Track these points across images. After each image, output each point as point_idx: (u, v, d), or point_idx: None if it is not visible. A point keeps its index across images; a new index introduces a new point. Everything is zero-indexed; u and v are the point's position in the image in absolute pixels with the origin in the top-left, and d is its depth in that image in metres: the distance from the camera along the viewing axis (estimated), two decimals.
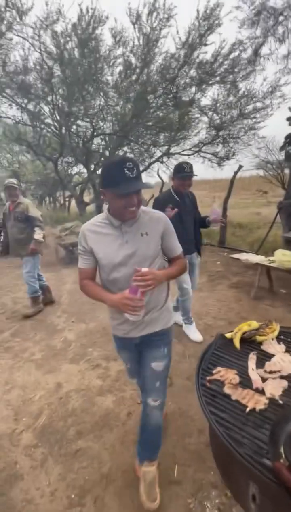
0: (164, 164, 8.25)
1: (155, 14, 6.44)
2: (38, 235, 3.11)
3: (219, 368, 0.87)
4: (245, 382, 0.81)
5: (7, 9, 5.87)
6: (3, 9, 6.06)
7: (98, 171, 9.57)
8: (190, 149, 7.81)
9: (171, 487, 1.38)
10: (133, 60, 7.07)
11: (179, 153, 8.00)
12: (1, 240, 3.58)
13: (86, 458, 1.54)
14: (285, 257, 3.02)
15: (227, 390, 0.78)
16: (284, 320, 2.44)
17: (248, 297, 3.47)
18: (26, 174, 13.54)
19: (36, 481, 1.43)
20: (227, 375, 0.84)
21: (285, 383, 0.79)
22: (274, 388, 0.76)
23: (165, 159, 8.13)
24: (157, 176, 9.14)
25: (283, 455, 0.54)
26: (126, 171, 0.96)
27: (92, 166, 9.34)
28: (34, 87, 7.34)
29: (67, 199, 13.61)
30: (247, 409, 0.71)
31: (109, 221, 1.11)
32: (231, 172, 6.13)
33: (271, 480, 0.54)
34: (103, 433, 1.70)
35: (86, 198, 10.96)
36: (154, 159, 8.26)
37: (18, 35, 6.26)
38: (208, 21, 6.53)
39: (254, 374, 0.83)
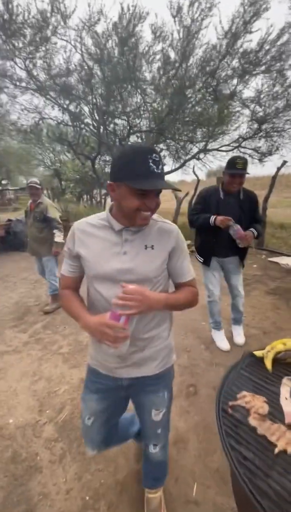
0: (200, 161, 7.97)
1: (196, 4, 6.19)
2: (58, 237, 3.16)
3: (244, 393, 0.75)
4: (276, 413, 0.69)
5: (53, 14, 6.12)
6: (49, 15, 6.35)
7: None
8: (228, 145, 7.42)
9: (188, 507, 1.29)
10: (172, 54, 6.91)
11: (216, 149, 7.65)
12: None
13: (103, 460, 1.51)
14: None
15: (252, 421, 0.67)
16: None
17: (286, 305, 3.17)
18: (66, 172, 14.19)
19: (53, 476, 1.45)
20: (254, 402, 0.72)
21: None
22: None
23: (201, 155, 7.84)
24: (192, 173, 8.91)
25: None
26: (152, 164, 0.74)
27: None
28: (75, 88, 7.59)
29: (103, 196, 13.97)
30: (276, 450, 0.60)
31: (109, 223, 0.88)
32: (273, 168, 5.68)
33: None
34: None
35: None
36: (190, 156, 8.03)
37: (62, 39, 6.50)
38: (254, 6, 6.09)
39: (287, 405, 0.70)
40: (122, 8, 6.85)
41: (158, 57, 7.30)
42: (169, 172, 8.88)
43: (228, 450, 0.60)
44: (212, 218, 2.11)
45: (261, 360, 0.89)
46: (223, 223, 2.06)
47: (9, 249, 6.39)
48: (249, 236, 2.11)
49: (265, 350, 0.90)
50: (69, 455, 1.56)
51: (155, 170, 0.75)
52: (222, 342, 2.49)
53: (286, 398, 0.72)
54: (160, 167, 0.77)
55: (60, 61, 7.19)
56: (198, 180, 7.14)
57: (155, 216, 0.92)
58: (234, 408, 0.72)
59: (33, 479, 1.44)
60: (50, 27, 6.32)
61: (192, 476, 1.42)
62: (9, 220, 6.77)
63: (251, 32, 6.53)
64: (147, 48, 7.29)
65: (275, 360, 0.87)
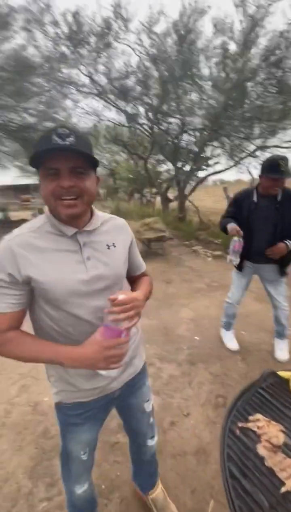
0: (257, 158, 7.42)
1: None
2: None
3: (259, 416, 0.68)
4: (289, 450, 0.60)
5: (116, 20, 6.40)
6: (111, 21, 6.67)
7: (185, 168, 9.49)
8: (290, 141, 6.73)
9: None
10: (233, 47, 6.56)
11: (276, 146, 7.02)
12: None
13: (122, 453, 1.54)
14: None
15: (261, 450, 0.59)
16: None
17: None
18: (120, 172, 14.77)
19: None
20: (267, 428, 0.64)
21: None
22: None
23: (258, 153, 7.29)
24: (248, 172, 8.37)
25: None
26: (55, 137, 0.62)
27: (179, 163, 9.33)
28: (133, 90, 7.81)
29: (153, 195, 14.14)
30: (283, 489, 0.52)
31: (56, 228, 0.73)
32: None
33: None
34: None
35: (171, 195, 11.09)
36: (245, 153, 7.54)
37: (122, 43, 6.75)
38: None
39: None
40: (183, 6, 6.79)
41: (217, 51, 7.03)
42: (221, 171, 8.51)
43: (226, 477, 0.55)
44: (229, 225, 2.02)
45: (286, 382, 0.79)
46: (231, 232, 1.97)
47: None
48: (277, 248, 1.91)
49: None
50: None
51: (59, 142, 0.62)
52: (230, 341, 2.46)
53: None
54: (69, 139, 0.62)
55: (120, 64, 7.48)
56: (253, 179, 6.66)
57: (101, 214, 0.84)
58: (243, 431, 0.65)
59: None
60: (112, 33, 6.62)
61: (210, 491, 1.35)
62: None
63: None
64: (206, 44, 7.08)
65: None
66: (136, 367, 0.95)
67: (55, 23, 6.40)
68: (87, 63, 7.34)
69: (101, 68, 7.61)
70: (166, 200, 9.72)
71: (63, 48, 6.90)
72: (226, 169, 8.16)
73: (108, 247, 0.79)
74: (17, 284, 0.69)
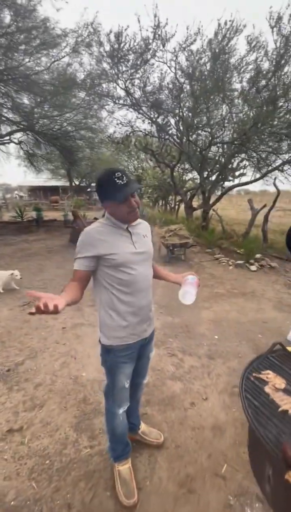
0: (284, 172, 7.51)
1: None
2: None
3: (269, 371, 0.95)
4: (289, 391, 0.87)
5: (154, 40, 6.87)
6: (150, 41, 7.15)
7: (212, 178, 9.72)
8: None
9: (216, 479, 1.49)
10: (266, 65, 6.78)
11: None
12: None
13: (149, 422, 1.83)
14: None
15: (268, 389, 0.87)
16: None
17: None
18: (146, 178, 15.26)
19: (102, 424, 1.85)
20: (274, 379, 0.91)
21: None
22: None
23: (285, 167, 7.38)
24: (283, 184, 8.43)
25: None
26: (117, 180, 1.08)
27: (205, 173, 9.58)
28: (165, 103, 8.24)
29: (177, 203, 14.45)
30: (280, 409, 0.79)
31: (116, 225, 1.20)
32: None
33: (276, 463, 0.65)
34: (167, 410, 1.95)
35: (195, 203, 11.33)
36: (272, 167, 7.66)
37: (159, 61, 7.21)
38: None
39: None
40: (219, 24, 7.13)
41: (250, 67, 7.28)
42: (247, 183, 8.65)
43: (243, 399, 0.83)
44: None
45: (290, 353, 1.05)
46: None
47: None
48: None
49: None
50: None
51: (121, 182, 1.08)
52: None
53: None
54: (125, 178, 1.09)
55: (155, 79, 7.95)
56: (278, 193, 6.78)
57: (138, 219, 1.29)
58: (256, 379, 0.93)
59: (97, 418, 1.87)
60: (151, 51, 7.10)
61: (224, 458, 1.60)
62: (95, 218, 7.88)
63: None
64: (239, 60, 7.36)
65: None
66: (153, 327, 1.44)
67: (100, 43, 6.99)
68: (125, 78, 7.88)
69: (136, 82, 8.14)
70: (190, 208, 9.98)
71: (104, 65, 7.48)
72: (252, 181, 8.29)
73: (144, 236, 1.30)
74: (93, 257, 1.15)
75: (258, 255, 5.58)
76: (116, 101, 8.65)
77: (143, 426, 1.70)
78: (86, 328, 3.10)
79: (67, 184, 24.69)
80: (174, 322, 3.25)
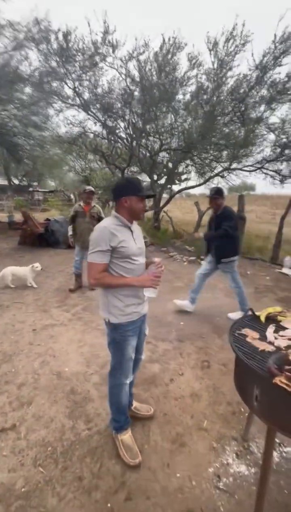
0: (224, 179, 8.53)
1: (231, 41, 6.89)
2: None
3: (246, 329, 1.29)
4: (262, 339, 1.22)
5: (104, 45, 7.04)
6: (99, 45, 7.29)
7: (160, 181, 10.32)
8: (252, 165, 7.94)
9: (200, 432, 1.80)
10: (206, 82, 7.61)
11: (240, 169, 8.20)
12: (71, 234, 4.25)
13: (137, 400, 2.05)
14: None
15: (248, 339, 1.20)
16: None
17: None
18: (95, 179, 15.18)
19: (102, 405, 2.00)
20: (251, 333, 1.25)
21: (290, 342, 1.17)
22: (281, 343, 1.15)
23: (225, 173, 8.40)
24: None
25: (273, 362, 0.95)
26: (144, 184, 1.46)
27: (155, 176, 10.13)
28: (115, 107, 8.46)
29: None
30: (260, 349, 1.13)
31: (123, 223, 1.45)
32: None
33: (264, 378, 0.97)
34: (151, 388, 2.20)
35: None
36: (214, 173, 8.61)
37: (110, 67, 7.40)
38: (285, 44, 6.70)
39: (269, 334, 1.23)
40: (163, 39, 7.71)
41: (192, 81, 8.06)
42: (193, 187, 9.47)
43: (233, 344, 1.14)
44: None
45: (258, 317, 1.42)
46: None
47: (46, 246, 7.18)
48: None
49: (262, 312, 1.43)
50: None
51: (144, 187, 1.46)
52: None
53: (270, 332, 1.25)
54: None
55: (104, 84, 8.10)
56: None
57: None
58: (240, 334, 1.26)
59: (89, 404, 2.00)
60: (100, 56, 7.24)
61: (204, 416, 1.93)
62: (48, 219, 7.60)
63: (280, 65, 7.12)
64: (182, 74, 8.07)
65: (267, 318, 1.40)
66: (147, 306, 1.66)
67: (48, 40, 6.82)
68: (74, 78, 7.83)
69: (86, 83, 8.16)
70: None
71: (53, 63, 7.32)
72: (197, 185, 9.14)
73: (138, 235, 1.56)
74: (109, 250, 1.39)
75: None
76: (65, 100, 8.51)
77: (135, 403, 1.93)
78: (59, 328, 3.12)
79: (5, 183, 22.70)
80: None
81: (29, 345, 2.75)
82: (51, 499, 1.38)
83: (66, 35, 7.00)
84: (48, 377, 2.30)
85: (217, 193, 3.23)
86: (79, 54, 7.41)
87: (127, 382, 1.61)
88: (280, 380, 0.88)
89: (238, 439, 1.74)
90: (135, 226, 1.56)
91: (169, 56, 7.76)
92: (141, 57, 7.62)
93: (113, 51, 7.23)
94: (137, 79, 7.74)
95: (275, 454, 1.66)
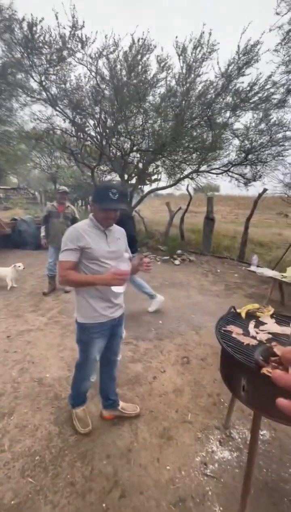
0: (193, 180, 8.84)
1: (199, 48, 7.17)
2: None
3: (231, 325, 1.40)
4: (246, 334, 1.34)
5: (73, 40, 6.85)
6: (67, 39, 7.08)
7: (131, 181, 10.36)
8: (218, 168, 8.36)
9: (185, 425, 1.89)
10: (175, 85, 7.82)
11: (208, 171, 8.57)
12: (43, 234, 4.15)
13: (123, 399, 2.08)
14: None
15: (234, 335, 1.31)
16: None
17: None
18: (63, 177, 14.70)
19: (88, 408, 1.99)
20: (235, 329, 1.37)
21: (270, 336, 1.30)
22: (263, 336, 1.28)
23: (194, 175, 8.72)
24: (181, 189, 9.81)
25: (259, 355, 1.07)
26: (110, 195, 1.40)
27: (125, 176, 10.13)
28: (85, 104, 8.29)
29: None
30: (245, 343, 1.24)
31: (96, 226, 1.50)
32: (256, 191, 6.60)
33: (252, 370, 1.07)
34: (135, 387, 2.25)
35: None
36: (183, 175, 8.89)
37: (79, 63, 7.22)
38: (247, 56, 7.16)
39: (251, 329, 1.36)
40: (133, 40, 7.74)
41: (161, 83, 8.22)
42: (164, 187, 9.67)
43: (221, 341, 1.24)
44: None
45: (239, 313, 1.55)
46: None
47: (13, 247, 6.79)
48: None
49: (242, 309, 1.56)
50: (97, 398, 2.11)
51: (112, 198, 1.41)
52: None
53: (251, 328, 1.38)
54: (117, 196, 1.41)
55: (73, 80, 7.89)
56: (191, 197, 7.95)
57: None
58: (225, 331, 1.36)
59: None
60: (69, 50, 7.03)
61: (187, 409, 2.03)
62: (14, 219, 7.19)
63: (243, 75, 7.60)
64: (152, 76, 8.19)
65: (247, 314, 1.54)
66: (122, 310, 1.71)
67: (11, 30, 6.44)
68: (40, 71, 7.50)
69: (53, 77, 7.87)
70: None
71: (17, 54, 6.93)
72: (167, 186, 9.35)
73: (118, 239, 1.60)
74: (78, 249, 1.44)
75: (179, 251, 6.46)
76: (30, 94, 8.11)
77: (121, 403, 1.96)
78: (36, 333, 3.02)
79: None
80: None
81: (5, 353, 2.62)
82: (45, 507, 1.36)
83: (31, 25, 6.67)
84: (29, 384, 2.22)
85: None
86: (46, 47, 7.12)
87: (90, 377, 1.77)
88: (267, 370, 0.99)
89: (220, 428, 1.87)
90: (115, 230, 1.60)
91: (139, 57, 7.83)
92: (112, 56, 7.57)
93: (82, 47, 7.07)
94: (108, 78, 7.68)
95: None
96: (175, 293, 4.36)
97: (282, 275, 3.72)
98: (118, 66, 7.68)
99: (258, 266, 4.24)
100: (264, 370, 0.99)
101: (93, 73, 7.49)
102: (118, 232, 1.64)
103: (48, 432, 1.79)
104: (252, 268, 4.07)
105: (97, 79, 7.62)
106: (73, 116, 8.89)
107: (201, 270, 5.61)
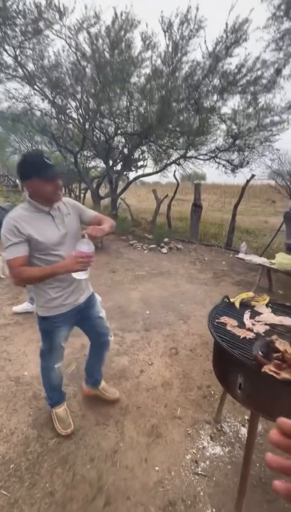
0: (180, 166, 8.61)
1: (186, 24, 6.79)
2: None
3: (224, 317, 1.27)
4: (241, 326, 1.22)
5: (49, 9, 6.28)
6: (43, 9, 6.49)
7: (116, 167, 9.99)
8: (206, 154, 8.16)
9: (175, 420, 1.79)
10: (161, 65, 7.44)
11: (195, 157, 8.36)
12: None
13: (109, 399, 1.95)
14: (285, 260, 3.39)
15: (228, 327, 1.18)
16: None
17: None
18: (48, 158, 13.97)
19: (70, 407, 1.85)
20: (229, 321, 1.24)
21: (267, 327, 1.18)
22: (260, 328, 1.16)
23: (181, 161, 8.49)
24: (168, 176, 9.56)
25: (259, 351, 0.94)
26: (46, 160, 1.16)
27: (110, 162, 9.74)
28: (65, 83, 7.76)
29: (83, 191, 14.05)
30: (241, 336, 1.11)
31: (37, 208, 1.23)
32: (243, 179, 6.50)
33: (251, 367, 0.95)
34: (121, 382, 2.12)
35: (101, 192, 11.38)
36: (170, 160, 8.63)
37: (57, 35, 6.67)
38: (236, 35, 6.86)
39: (247, 320, 1.23)
40: (115, 13, 7.22)
41: (146, 63, 7.79)
42: (150, 174, 9.39)
43: (215, 335, 1.10)
44: None
45: (233, 303, 1.42)
46: None
47: None
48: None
49: (236, 298, 1.43)
50: (80, 394, 1.98)
51: (50, 163, 1.18)
52: None
53: (247, 319, 1.25)
54: (50, 160, 1.20)
55: (51, 55, 7.32)
56: (178, 184, 7.76)
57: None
58: (219, 323, 1.23)
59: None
60: (46, 21, 6.46)
61: (177, 403, 1.93)
62: None
63: (231, 56, 7.31)
64: (137, 55, 7.74)
65: (241, 304, 1.41)
66: (88, 293, 1.56)
67: None
68: (15, 45, 6.89)
69: (30, 52, 7.27)
70: (97, 197, 9.98)
71: None
72: (154, 172, 9.08)
73: (67, 215, 1.33)
74: (23, 241, 1.19)
75: (166, 239, 6.31)
76: (4, 70, 7.47)
77: (103, 383, 1.92)
78: (13, 328, 2.81)
79: None
80: (107, 306, 3.37)
81: None
82: None
83: None
84: (5, 384, 2.04)
85: None
86: (19, 16, 6.50)
87: (56, 366, 1.61)
88: (269, 368, 0.86)
89: (211, 422, 1.78)
90: (61, 207, 1.31)
91: (122, 32, 7.34)
92: (93, 30, 7.05)
93: (60, 18, 6.50)
94: (89, 54, 7.17)
95: (244, 430, 1.74)
96: (163, 281, 4.23)
97: (271, 262, 3.66)
98: (100, 41, 7.18)
99: (246, 253, 4.17)
100: (266, 369, 0.86)
101: (73, 48, 6.96)
102: (66, 206, 1.35)
103: (25, 436, 1.63)
104: (241, 255, 4.00)
105: (78, 55, 7.10)
106: (53, 96, 8.33)
107: (189, 258, 5.50)
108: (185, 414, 1.84)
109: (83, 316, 1.56)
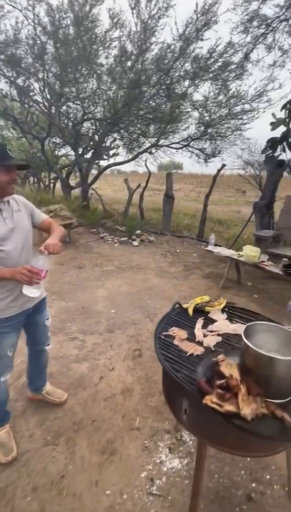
0: (152, 155, 8.36)
1: (154, 1, 6.39)
2: None
3: (173, 328, 1.13)
4: (191, 337, 1.08)
5: None
6: None
7: (87, 155, 9.51)
8: (178, 143, 7.97)
9: (132, 432, 1.66)
10: (129, 46, 7.01)
11: (167, 146, 8.13)
12: None
13: (61, 410, 1.78)
14: (252, 252, 3.36)
15: (176, 342, 1.04)
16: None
17: (217, 286, 3.82)
18: (11, 151, 13.03)
19: (16, 426, 1.66)
20: (178, 333, 1.10)
21: (219, 338, 1.06)
22: (211, 341, 1.03)
23: (153, 150, 8.23)
24: (144, 166, 9.27)
25: (203, 375, 0.80)
26: (7, 150, 1.15)
27: (80, 150, 9.24)
28: (25, 61, 7.09)
29: (52, 181, 13.34)
30: (188, 354, 0.97)
31: None
32: (217, 168, 6.41)
33: (193, 395, 0.81)
34: (78, 392, 1.95)
35: (72, 182, 10.85)
36: (142, 149, 8.34)
37: (11, 5, 5.99)
38: (206, 16, 6.59)
39: (198, 331, 1.10)
40: None
41: (115, 44, 7.31)
42: (122, 163, 9.04)
43: (159, 355, 0.95)
44: None
45: (186, 309, 1.28)
46: None
47: None
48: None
49: (189, 303, 1.29)
50: (30, 410, 1.78)
51: (10, 154, 1.16)
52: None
53: (198, 329, 1.12)
54: (11, 153, 1.18)
55: (9, 31, 6.60)
56: (150, 173, 7.53)
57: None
58: (166, 336, 1.08)
59: None
60: None
61: (136, 413, 1.80)
62: None
63: (202, 40, 7.06)
64: (103, 33, 7.22)
65: (195, 310, 1.28)
66: (39, 298, 1.46)
67: None
68: None
69: None
70: (67, 187, 9.48)
71: None
72: (126, 161, 8.74)
73: (16, 211, 1.28)
74: None
75: (138, 231, 6.13)
76: None
77: (48, 387, 1.82)
78: None
79: None
80: (69, 306, 3.16)
81: None
82: None
83: None
84: None
85: None
86: None
87: (2, 379, 1.44)
88: (210, 400, 0.73)
89: (170, 431, 1.67)
90: (11, 202, 1.28)
91: (87, 7, 6.77)
92: (54, 2, 6.43)
93: None
94: (49, 30, 6.56)
95: None
96: (132, 277, 4.07)
97: (239, 254, 3.63)
98: (62, 16, 6.58)
99: (215, 245, 4.11)
100: (207, 400, 0.73)
101: (30, 21, 6.31)
102: (17, 203, 1.33)
103: None
104: (210, 247, 3.93)
105: (37, 30, 6.47)
106: (13, 76, 7.61)
107: (160, 250, 5.38)
108: (143, 424, 1.72)
109: (29, 321, 1.48)
